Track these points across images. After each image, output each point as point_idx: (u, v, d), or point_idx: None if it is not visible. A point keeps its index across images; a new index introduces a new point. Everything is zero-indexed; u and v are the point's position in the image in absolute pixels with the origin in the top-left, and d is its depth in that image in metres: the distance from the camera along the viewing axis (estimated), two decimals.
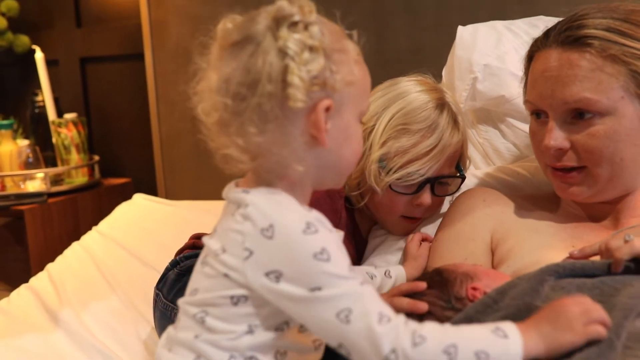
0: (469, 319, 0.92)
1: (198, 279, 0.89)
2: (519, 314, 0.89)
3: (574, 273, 0.96)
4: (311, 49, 0.82)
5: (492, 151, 1.56)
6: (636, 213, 1.17)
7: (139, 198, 2.13)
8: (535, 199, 1.30)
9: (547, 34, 1.19)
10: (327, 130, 0.84)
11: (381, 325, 0.78)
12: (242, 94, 0.83)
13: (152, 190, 2.57)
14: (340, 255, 0.83)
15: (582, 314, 0.82)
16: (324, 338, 0.83)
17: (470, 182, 1.43)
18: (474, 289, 1.04)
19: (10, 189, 2.47)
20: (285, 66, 0.81)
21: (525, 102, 1.23)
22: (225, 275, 0.84)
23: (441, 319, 0.99)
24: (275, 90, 0.81)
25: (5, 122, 2.56)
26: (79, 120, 2.55)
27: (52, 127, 2.55)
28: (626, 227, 1.15)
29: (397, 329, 0.79)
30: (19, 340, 1.46)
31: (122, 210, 2.07)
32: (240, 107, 0.83)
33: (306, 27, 0.83)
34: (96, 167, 2.64)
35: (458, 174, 1.35)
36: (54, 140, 2.55)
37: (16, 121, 2.65)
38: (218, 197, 2.35)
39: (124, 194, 2.48)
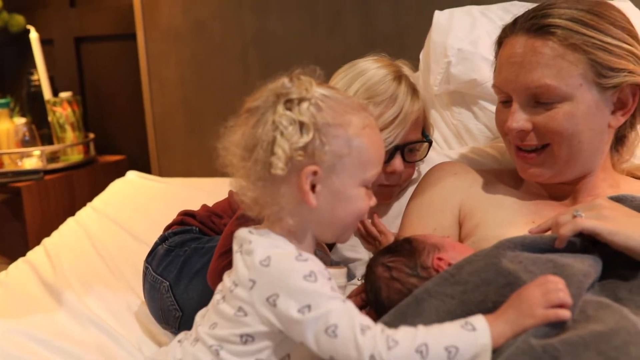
0: (428, 292, 0.99)
1: (216, 315, 1.00)
2: (479, 290, 0.95)
3: (525, 248, 1.01)
4: (301, 124, 0.94)
5: (464, 132, 1.63)
6: (593, 193, 1.24)
7: (132, 175, 2.20)
8: (502, 174, 1.37)
9: (515, 21, 1.24)
10: (316, 191, 0.96)
11: (363, 335, 0.88)
12: (243, 156, 0.97)
13: (145, 167, 2.62)
14: (325, 280, 0.93)
15: (542, 297, 0.89)
16: (318, 353, 0.92)
17: (442, 161, 1.49)
18: (440, 259, 1.09)
19: (8, 167, 2.52)
20: (274, 137, 0.94)
21: (493, 86, 1.29)
22: (240, 309, 0.95)
23: (406, 285, 1.07)
24: (264, 156, 0.95)
25: (2, 100, 2.60)
26: (73, 99, 2.59)
27: (47, 106, 2.59)
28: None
29: (375, 337, 0.88)
30: (16, 311, 1.53)
31: (116, 187, 2.14)
32: (239, 165, 0.98)
33: (299, 103, 0.95)
34: (91, 145, 2.69)
35: (425, 139, 1.46)
36: (49, 118, 2.60)
37: (12, 100, 2.69)
38: (208, 174, 2.41)
39: (119, 171, 2.53)
